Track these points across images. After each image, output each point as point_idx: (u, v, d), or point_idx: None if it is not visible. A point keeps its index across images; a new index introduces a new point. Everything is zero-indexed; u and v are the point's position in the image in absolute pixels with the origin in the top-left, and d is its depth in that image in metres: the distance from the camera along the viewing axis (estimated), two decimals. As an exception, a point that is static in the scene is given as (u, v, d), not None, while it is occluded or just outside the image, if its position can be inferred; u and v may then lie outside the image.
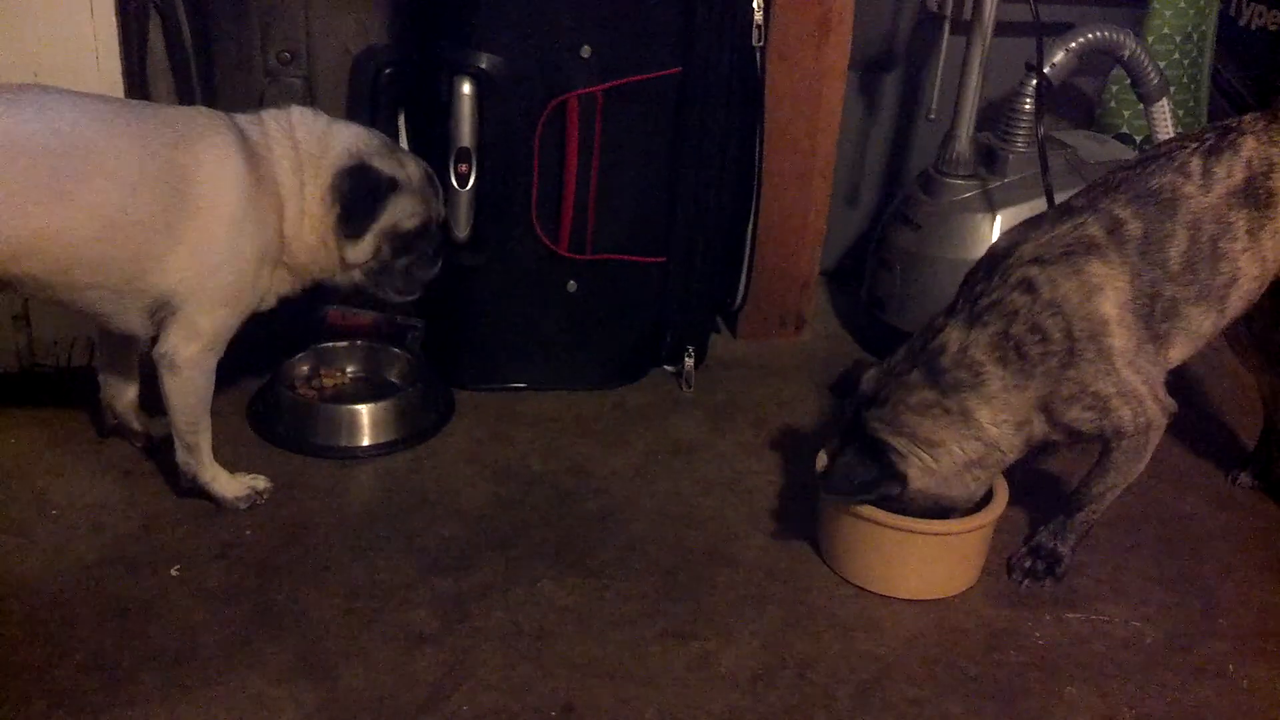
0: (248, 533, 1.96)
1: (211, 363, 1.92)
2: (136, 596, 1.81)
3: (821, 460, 1.95)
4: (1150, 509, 2.16)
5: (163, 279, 1.83)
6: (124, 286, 1.82)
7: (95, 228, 1.77)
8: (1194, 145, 1.88)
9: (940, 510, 1.87)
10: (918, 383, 1.82)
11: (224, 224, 1.85)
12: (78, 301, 1.83)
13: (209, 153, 1.84)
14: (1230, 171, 1.85)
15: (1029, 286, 1.79)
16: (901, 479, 1.81)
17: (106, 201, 1.77)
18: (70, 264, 1.77)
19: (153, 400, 2.02)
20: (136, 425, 2.12)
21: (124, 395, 2.10)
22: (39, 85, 1.83)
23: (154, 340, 1.89)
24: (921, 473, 1.82)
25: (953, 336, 1.82)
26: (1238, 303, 1.89)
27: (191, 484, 1.99)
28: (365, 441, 2.18)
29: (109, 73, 2.07)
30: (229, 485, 2.01)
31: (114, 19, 2.07)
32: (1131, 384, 1.81)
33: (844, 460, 1.85)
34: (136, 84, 2.16)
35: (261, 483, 2.04)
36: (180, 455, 1.98)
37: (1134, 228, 1.82)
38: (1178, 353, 1.89)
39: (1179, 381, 1.99)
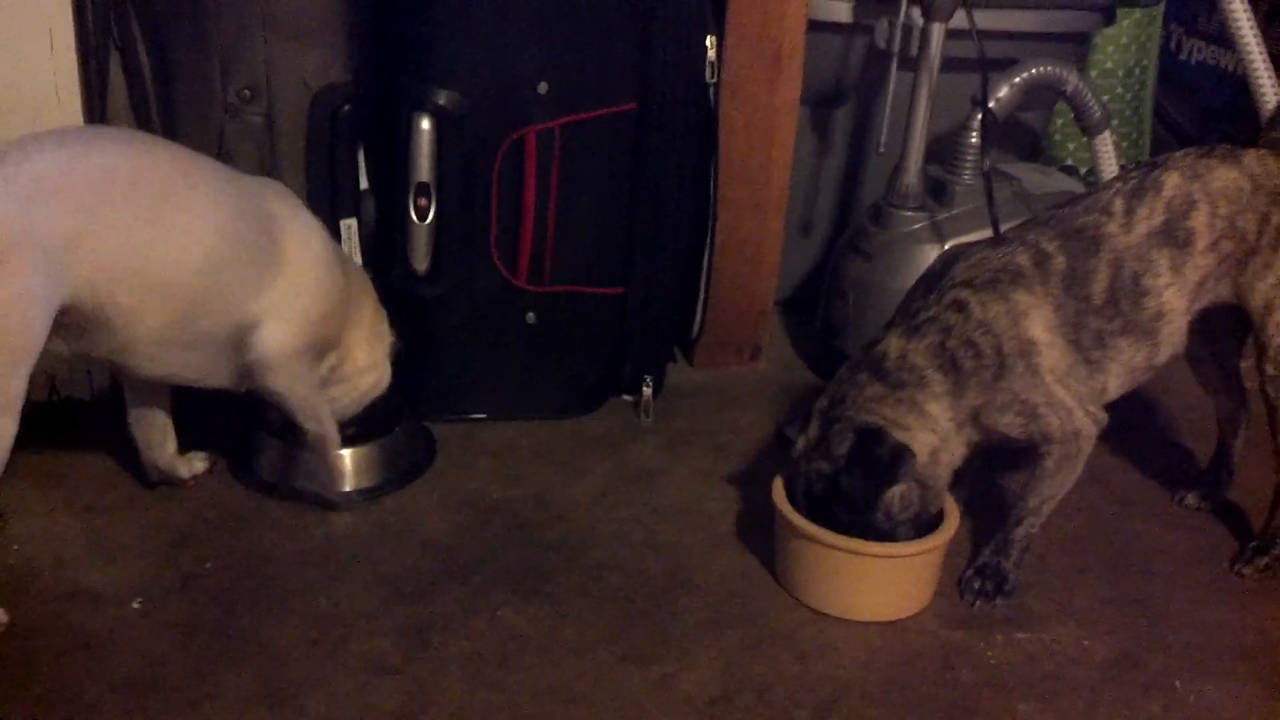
0: (208, 564, 1.97)
1: (307, 357, 1.97)
2: (98, 629, 1.81)
3: (778, 488, 1.98)
4: (1099, 529, 2.21)
5: (249, 311, 1.87)
6: (211, 323, 1.85)
7: (196, 259, 1.79)
8: (1120, 185, 1.95)
9: (920, 520, 1.91)
10: (866, 380, 1.88)
11: (313, 271, 1.95)
12: (161, 344, 1.82)
13: (287, 205, 1.96)
14: (1152, 212, 1.91)
15: (960, 306, 1.86)
16: (910, 453, 1.85)
17: (212, 233, 1.81)
18: (168, 294, 1.78)
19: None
20: (182, 473, 2.14)
21: (165, 449, 2.11)
22: (107, 126, 1.86)
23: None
24: (917, 448, 1.85)
25: (893, 344, 1.89)
26: (1171, 337, 1.95)
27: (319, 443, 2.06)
28: (348, 487, 2.17)
29: (69, 110, 2.08)
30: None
31: (74, 56, 2.08)
32: (1060, 397, 1.87)
33: (851, 459, 1.85)
34: (97, 120, 2.18)
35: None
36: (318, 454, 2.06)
37: (1059, 262, 1.89)
38: (1115, 383, 1.95)
39: (1127, 402, 2.04)
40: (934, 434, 1.87)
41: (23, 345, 1.65)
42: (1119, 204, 1.92)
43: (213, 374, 1.93)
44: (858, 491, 1.86)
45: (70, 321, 1.73)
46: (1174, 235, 1.91)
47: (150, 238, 1.75)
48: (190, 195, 1.80)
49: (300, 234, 1.95)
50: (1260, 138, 2.06)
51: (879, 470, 1.85)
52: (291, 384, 1.97)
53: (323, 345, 2.01)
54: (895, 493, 1.87)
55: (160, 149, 1.84)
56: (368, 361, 2.11)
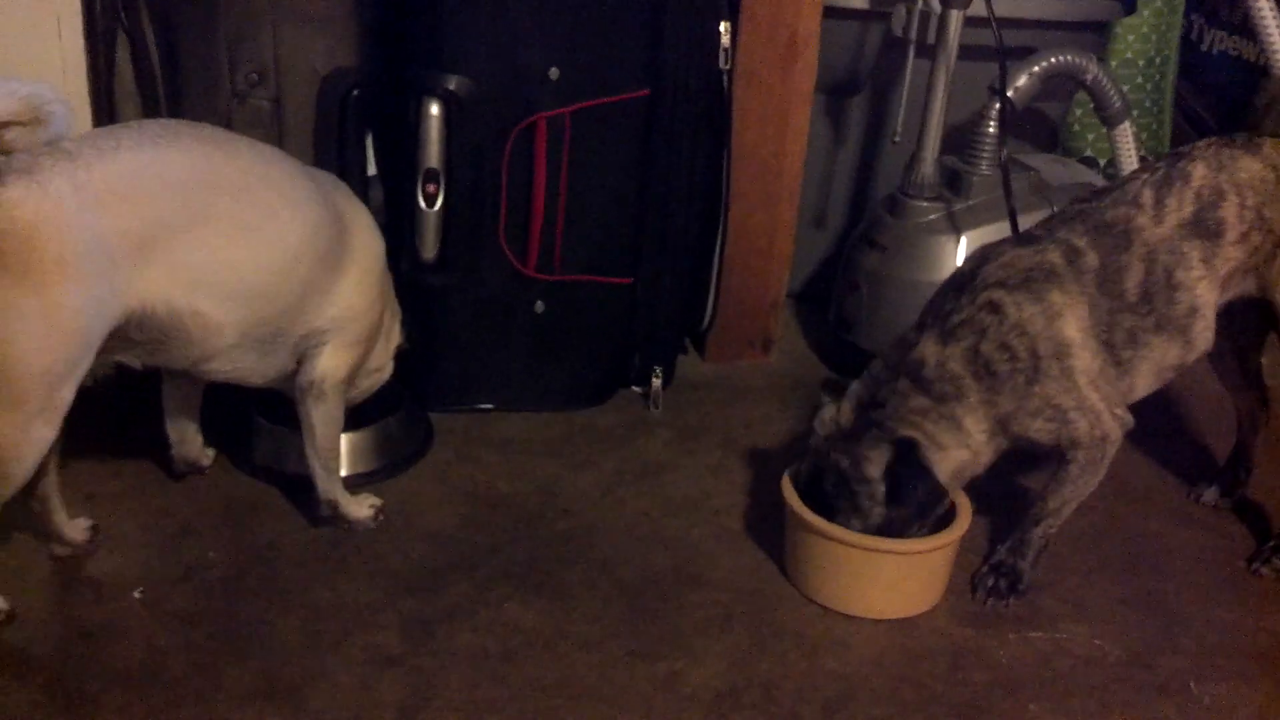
0: (211, 554, 1.95)
1: (346, 392, 1.98)
2: (100, 619, 1.80)
3: (788, 484, 1.95)
4: (1114, 527, 2.18)
5: (320, 315, 1.87)
6: (287, 324, 1.84)
7: (278, 261, 1.78)
8: (1146, 176, 1.91)
9: (921, 514, 1.88)
10: (909, 390, 1.85)
11: (375, 268, 1.96)
12: (239, 348, 1.81)
13: (352, 202, 1.97)
14: (1181, 203, 1.88)
15: (995, 308, 1.82)
16: (933, 476, 1.84)
17: (295, 233, 1.79)
18: (255, 297, 1.77)
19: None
20: (205, 462, 2.14)
21: (194, 442, 2.12)
22: (179, 120, 1.85)
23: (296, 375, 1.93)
24: (940, 468, 1.84)
25: (929, 350, 1.85)
26: (1204, 333, 1.91)
27: (332, 510, 2.01)
28: (344, 471, 2.14)
29: (77, 95, 2.07)
30: (359, 508, 2.03)
31: (81, 41, 2.07)
32: (1091, 400, 1.84)
33: (891, 500, 1.85)
34: (104, 106, 2.16)
35: (378, 501, 2.07)
36: (321, 484, 2.00)
37: (1091, 259, 1.85)
38: (1144, 382, 1.91)
39: (1145, 400, 2.01)
40: (967, 449, 1.85)
41: (77, 356, 1.61)
42: (1148, 195, 1.89)
43: (276, 374, 1.91)
44: (894, 523, 1.86)
45: (146, 337, 1.70)
46: (1205, 226, 1.88)
47: (232, 242, 1.72)
48: (270, 194, 1.78)
49: (366, 231, 1.97)
50: (1249, 118, 2.01)
51: (916, 509, 1.85)
52: (330, 423, 1.97)
53: (366, 356, 2.01)
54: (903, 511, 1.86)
55: (238, 146, 1.80)
56: (378, 363, 2.09)
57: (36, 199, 1.53)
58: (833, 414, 1.92)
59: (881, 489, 1.84)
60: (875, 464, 1.84)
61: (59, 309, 1.56)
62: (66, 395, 1.63)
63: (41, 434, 1.63)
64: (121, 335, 1.67)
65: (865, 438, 1.85)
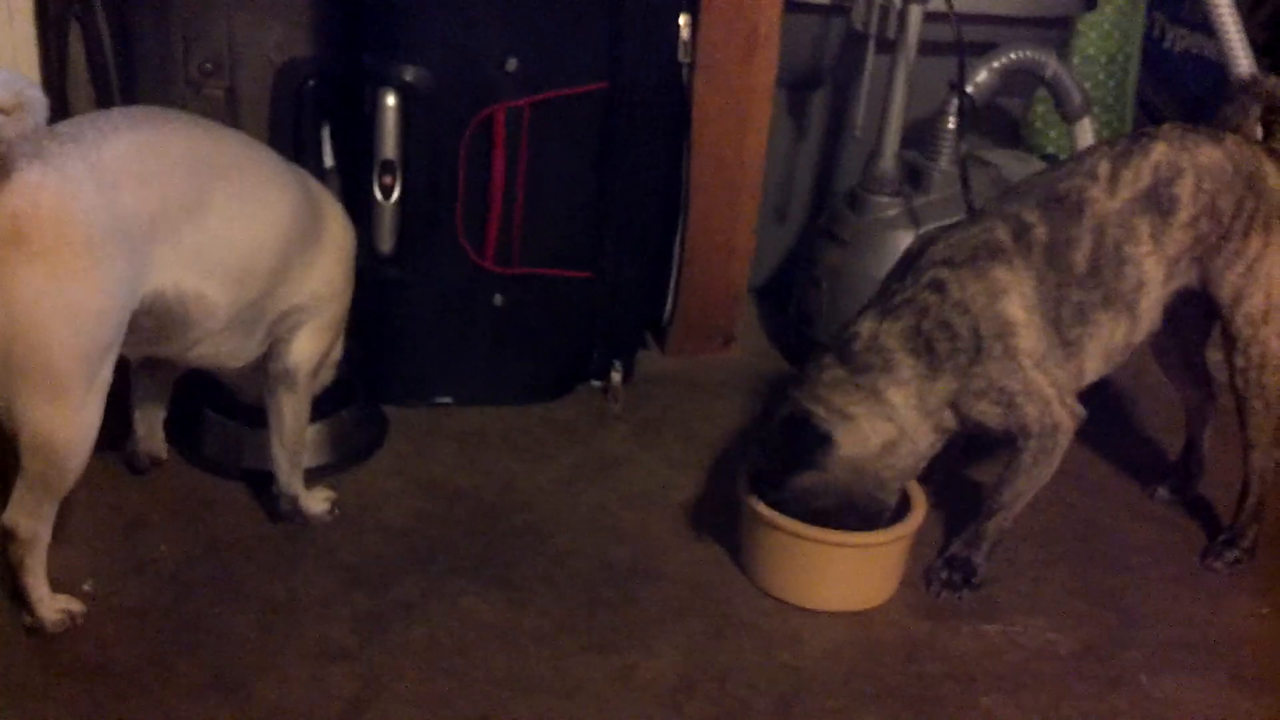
0: (163, 548, 1.93)
1: (314, 383, 1.97)
2: (48, 613, 1.78)
3: (743, 478, 1.95)
4: (1068, 522, 2.19)
5: (298, 293, 1.86)
6: (270, 302, 1.83)
7: (269, 239, 1.77)
8: (1106, 149, 1.92)
9: (857, 509, 1.88)
10: (830, 363, 1.86)
11: (349, 248, 1.98)
12: (227, 330, 1.80)
13: (321, 188, 1.98)
14: (1138, 176, 1.88)
15: (938, 286, 1.83)
16: (830, 441, 1.83)
17: (282, 213, 1.79)
18: (248, 277, 1.76)
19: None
20: (164, 455, 2.12)
21: (159, 436, 2.10)
22: (154, 106, 1.83)
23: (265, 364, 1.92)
24: (846, 439, 1.83)
25: (866, 326, 1.86)
26: (1150, 311, 1.92)
27: (291, 506, 1.99)
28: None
29: (27, 83, 2.04)
30: (315, 502, 2.02)
31: (32, 28, 2.05)
32: (1038, 384, 1.84)
33: (765, 439, 1.87)
34: (55, 94, 2.14)
35: (333, 494, 2.05)
36: (284, 478, 1.98)
37: (1040, 232, 1.85)
38: (1092, 365, 1.91)
39: (1099, 395, 2.02)
40: (890, 423, 1.84)
41: (111, 338, 1.60)
42: (1104, 167, 1.89)
43: (250, 358, 1.90)
44: (765, 471, 1.87)
45: (152, 322, 1.68)
46: (1158, 201, 1.88)
47: (229, 221, 1.71)
48: (258, 175, 1.78)
49: (337, 215, 1.96)
50: (1217, 116, 2.03)
51: (790, 455, 1.84)
52: (299, 414, 1.96)
53: (334, 344, 2.00)
54: (808, 478, 1.85)
55: (220, 129, 1.81)
56: (336, 355, 2.08)
57: (56, 181, 1.51)
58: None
59: (781, 461, 1.86)
60: (773, 437, 1.86)
61: (90, 291, 1.55)
62: (106, 375, 1.62)
63: (89, 419, 1.62)
64: (131, 323, 1.64)
65: (772, 415, 1.88)
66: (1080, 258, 1.86)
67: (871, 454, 1.85)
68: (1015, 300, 1.83)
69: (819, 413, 1.83)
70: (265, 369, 1.92)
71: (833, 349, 1.88)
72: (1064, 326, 1.86)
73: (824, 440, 1.83)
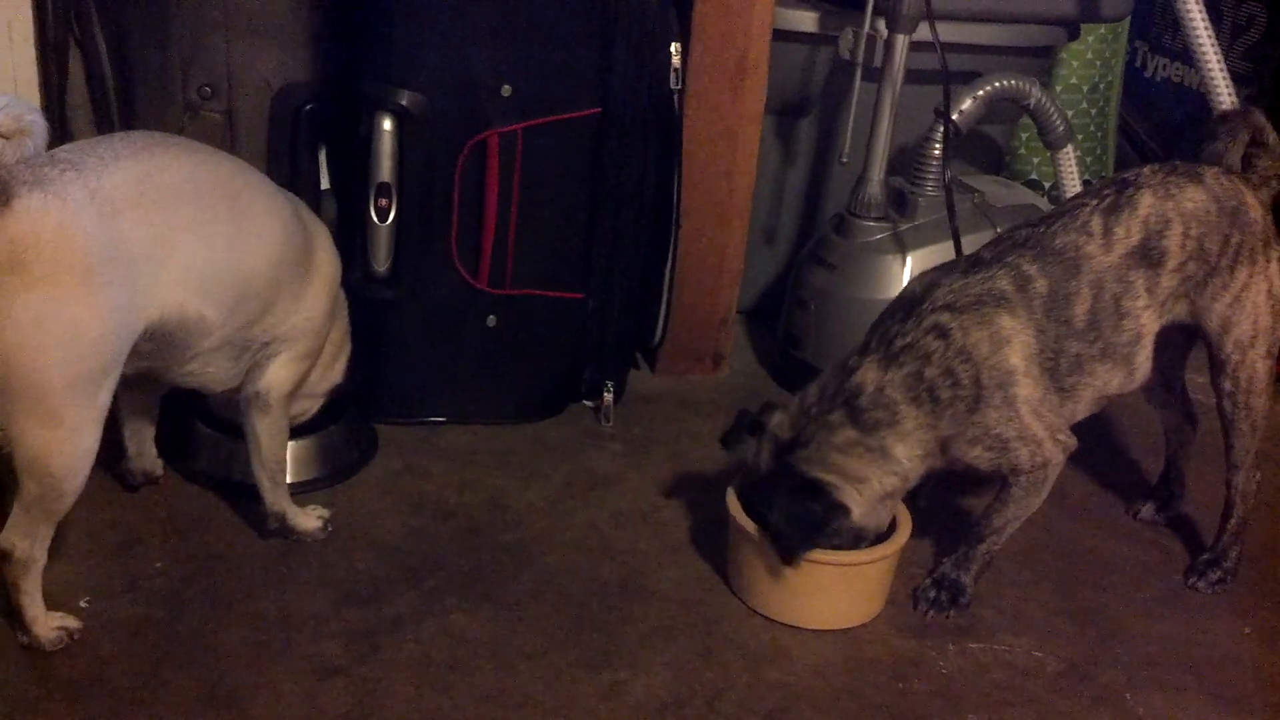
0: (157, 564, 1.95)
1: (289, 407, 1.97)
2: (43, 628, 1.79)
3: (732, 498, 1.97)
4: (1054, 541, 2.21)
5: (285, 320, 1.88)
6: (259, 329, 1.85)
7: (265, 264, 1.79)
8: (1095, 202, 1.92)
9: (857, 542, 1.91)
10: (840, 423, 1.85)
11: (335, 279, 1.99)
12: (218, 352, 1.82)
13: (312, 215, 1.99)
14: (1129, 231, 1.90)
15: (942, 332, 1.83)
16: (846, 511, 1.85)
17: (278, 238, 1.81)
18: (244, 300, 1.78)
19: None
20: (159, 472, 2.13)
21: (151, 453, 2.11)
22: (152, 131, 1.86)
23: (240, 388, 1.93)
24: (857, 505, 1.86)
25: (869, 377, 1.86)
26: (1145, 363, 1.95)
27: (280, 523, 2.01)
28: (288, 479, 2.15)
29: (27, 105, 2.06)
30: (307, 520, 2.03)
31: (33, 51, 2.07)
32: (1033, 429, 1.86)
33: (784, 510, 1.85)
34: (55, 117, 2.16)
35: (326, 512, 2.07)
36: (268, 497, 1.99)
37: (1040, 285, 1.86)
38: (1084, 409, 1.94)
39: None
40: (894, 476, 1.86)
41: (108, 365, 1.62)
42: (1097, 223, 1.90)
43: (234, 381, 1.92)
44: (783, 543, 1.87)
45: (152, 346, 1.70)
46: (1149, 255, 1.90)
47: (229, 246, 1.74)
48: (254, 200, 1.81)
49: (326, 245, 1.98)
50: (1201, 149, 2.06)
51: (806, 526, 1.85)
52: (275, 434, 1.97)
53: (309, 373, 2.01)
54: (821, 542, 1.88)
55: (216, 155, 1.83)
56: (319, 389, 2.09)
57: (57, 209, 1.53)
58: (779, 420, 1.93)
59: (797, 530, 1.86)
60: (788, 504, 1.85)
61: (89, 317, 1.56)
62: (104, 400, 1.63)
63: (87, 444, 1.63)
64: (133, 346, 1.66)
65: (779, 474, 1.87)
66: (1080, 312, 1.87)
67: (875, 505, 1.87)
68: (1017, 349, 1.84)
69: (833, 481, 1.84)
70: (240, 390, 1.94)
71: (839, 403, 1.86)
72: (1060, 375, 1.88)
73: (840, 511, 1.85)
